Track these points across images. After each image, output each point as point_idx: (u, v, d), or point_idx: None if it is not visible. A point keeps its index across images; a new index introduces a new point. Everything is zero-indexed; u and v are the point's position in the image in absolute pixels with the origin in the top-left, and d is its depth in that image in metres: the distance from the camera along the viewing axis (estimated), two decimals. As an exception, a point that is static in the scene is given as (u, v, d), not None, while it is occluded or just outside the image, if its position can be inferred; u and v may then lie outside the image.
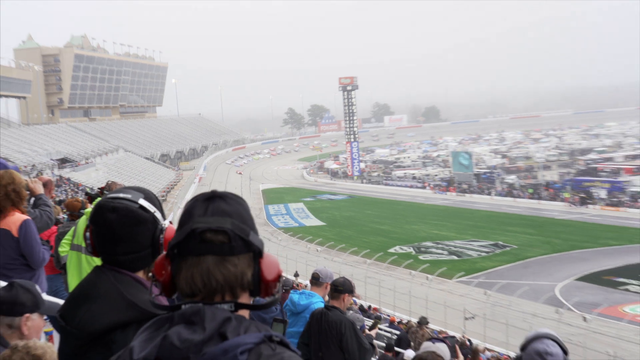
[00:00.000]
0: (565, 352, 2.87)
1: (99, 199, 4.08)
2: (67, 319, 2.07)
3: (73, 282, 4.89)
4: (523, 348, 3.06)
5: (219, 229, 1.37)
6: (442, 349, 4.40)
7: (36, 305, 3.18)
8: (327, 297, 5.82)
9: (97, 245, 2.13)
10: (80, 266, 4.86)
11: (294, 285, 18.91)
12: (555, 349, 2.86)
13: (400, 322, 23.59)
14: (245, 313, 1.42)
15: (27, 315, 3.14)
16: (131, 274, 2.10)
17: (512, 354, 22.37)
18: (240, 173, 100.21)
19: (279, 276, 1.45)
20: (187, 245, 1.38)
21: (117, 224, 2.04)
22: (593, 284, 37.53)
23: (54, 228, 6.59)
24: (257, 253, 1.41)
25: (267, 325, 1.63)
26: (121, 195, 2.11)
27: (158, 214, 2.12)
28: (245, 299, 1.42)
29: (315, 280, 6.02)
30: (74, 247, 5.02)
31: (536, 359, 2.90)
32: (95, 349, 1.79)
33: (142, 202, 2.10)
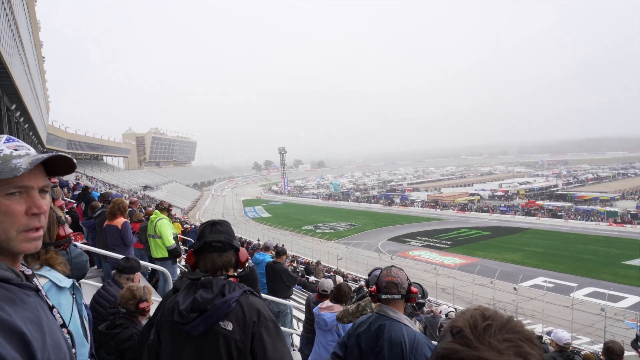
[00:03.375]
0: None
1: (157, 210, 6.23)
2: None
3: (149, 252, 6.09)
4: (369, 274, 3.61)
5: (218, 240, 1.79)
6: (330, 281, 5.17)
7: (139, 267, 3.72)
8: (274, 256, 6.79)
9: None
10: (151, 244, 6.04)
11: (258, 246, 19.93)
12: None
13: (308, 263, 25.23)
14: (233, 280, 1.79)
15: (137, 272, 3.67)
16: None
17: (362, 276, 26.38)
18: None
19: (247, 259, 1.87)
20: (204, 248, 1.79)
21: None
22: (395, 242, 43.90)
23: (139, 224, 7.07)
24: (236, 249, 1.82)
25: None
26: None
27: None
28: (232, 272, 1.82)
29: (266, 247, 7.18)
30: (149, 235, 6.19)
31: (374, 278, 3.25)
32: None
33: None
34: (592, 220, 51.23)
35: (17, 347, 0.79)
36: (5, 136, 0.99)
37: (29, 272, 1.02)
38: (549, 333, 10.02)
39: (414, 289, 2.49)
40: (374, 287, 2.54)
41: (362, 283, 18.08)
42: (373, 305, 3.28)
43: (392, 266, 2.61)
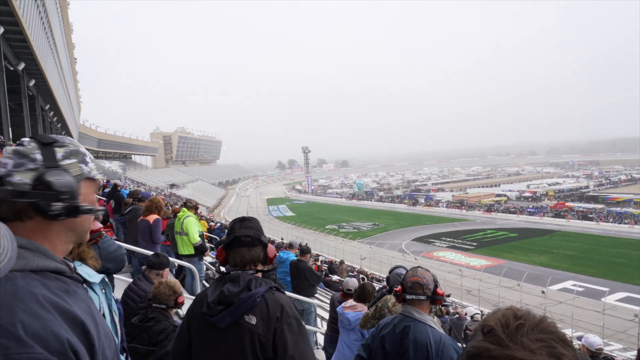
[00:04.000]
0: None
1: (184, 208, 6.46)
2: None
3: (177, 248, 6.34)
4: (390, 272, 3.70)
5: (247, 235, 1.84)
6: (354, 280, 5.29)
7: (168, 263, 3.89)
8: (298, 254, 6.90)
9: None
10: (178, 241, 6.29)
11: (282, 245, 20.70)
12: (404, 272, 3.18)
13: (332, 262, 25.57)
14: (260, 275, 1.84)
15: (166, 268, 3.81)
16: None
17: (385, 276, 32.61)
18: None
19: (275, 255, 1.92)
20: (233, 243, 1.86)
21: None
22: (419, 242, 43.25)
23: (166, 221, 7.05)
24: (264, 245, 1.87)
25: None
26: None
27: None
28: (260, 267, 1.86)
29: (290, 245, 7.22)
30: (176, 232, 6.37)
31: (397, 277, 3.42)
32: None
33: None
34: (625, 223, 49.27)
35: (79, 336, 0.83)
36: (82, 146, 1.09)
37: (72, 265, 1.04)
38: (579, 338, 9.77)
39: (439, 290, 2.46)
40: (399, 287, 2.53)
41: (385, 283, 18.19)
42: (389, 303, 3.31)
43: (419, 267, 2.59)
